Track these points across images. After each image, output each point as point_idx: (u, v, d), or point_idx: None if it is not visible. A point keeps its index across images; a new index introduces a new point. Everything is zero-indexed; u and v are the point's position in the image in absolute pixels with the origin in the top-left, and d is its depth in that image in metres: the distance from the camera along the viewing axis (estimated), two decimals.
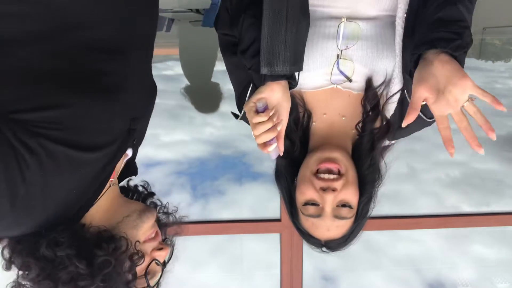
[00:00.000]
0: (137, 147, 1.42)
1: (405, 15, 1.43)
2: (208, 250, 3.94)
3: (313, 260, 3.67)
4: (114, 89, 1.22)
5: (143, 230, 1.28)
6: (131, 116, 1.28)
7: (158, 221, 1.40)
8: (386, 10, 1.49)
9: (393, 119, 1.51)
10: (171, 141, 4.60)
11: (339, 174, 1.41)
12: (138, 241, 1.26)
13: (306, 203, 1.43)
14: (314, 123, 1.52)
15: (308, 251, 3.28)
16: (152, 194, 1.49)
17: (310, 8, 1.43)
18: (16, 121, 1.09)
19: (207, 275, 4.01)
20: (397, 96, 1.48)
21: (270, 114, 1.28)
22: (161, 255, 1.32)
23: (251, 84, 1.46)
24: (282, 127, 1.33)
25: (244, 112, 1.47)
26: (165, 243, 1.38)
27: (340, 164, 1.41)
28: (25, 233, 1.18)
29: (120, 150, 1.27)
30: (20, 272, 1.20)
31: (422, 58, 1.25)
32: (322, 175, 1.41)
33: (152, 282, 1.30)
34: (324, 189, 1.39)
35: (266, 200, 4.00)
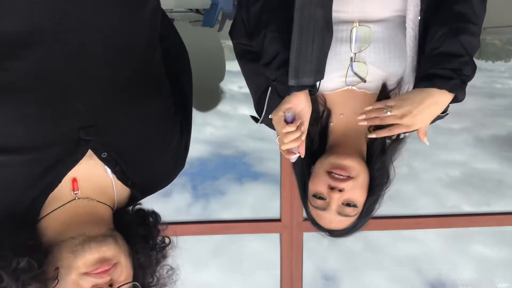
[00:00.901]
0: (131, 166, 1.30)
1: (419, 18, 1.46)
2: (209, 250, 3.94)
3: (313, 260, 3.67)
4: (15, 88, 1.14)
5: (83, 261, 1.13)
6: (79, 125, 1.20)
7: (141, 261, 1.25)
8: (396, 11, 1.51)
9: None
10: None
11: (349, 178, 1.47)
12: (58, 267, 1.12)
13: (315, 195, 1.50)
14: (331, 124, 1.57)
15: (308, 251, 3.29)
16: (148, 231, 1.31)
17: None
18: None
19: (208, 275, 4.01)
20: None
21: (298, 123, 1.36)
22: None
23: (269, 89, 1.52)
24: (305, 133, 1.41)
25: (264, 117, 1.56)
26: (125, 286, 1.19)
27: (351, 171, 1.46)
28: None
29: (64, 160, 1.19)
30: None
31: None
32: (333, 174, 1.47)
33: None
34: (332, 188, 1.46)
35: (267, 200, 4.01)
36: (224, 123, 4.63)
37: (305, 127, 1.41)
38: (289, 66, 1.34)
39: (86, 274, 1.13)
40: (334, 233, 1.56)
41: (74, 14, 1.19)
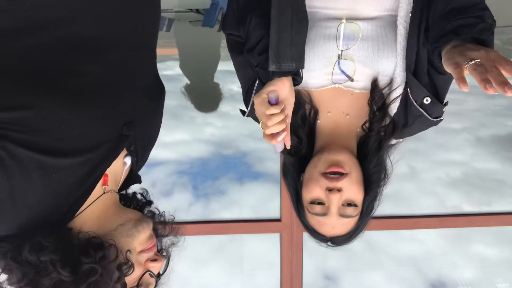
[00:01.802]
0: (142, 155, 1.40)
1: (409, 14, 1.44)
2: (209, 249, 3.95)
3: (314, 260, 3.68)
4: (87, 91, 1.17)
5: (139, 240, 1.25)
6: (124, 121, 1.25)
7: (155, 231, 1.36)
8: (387, 10, 1.50)
9: (397, 118, 1.53)
10: (172, 141, 4.61)
11: (343, 175, 1.44)
12: (129, 250, 1.22)
13: (313, 202, 1.46)
14: (319, 121, 1.54)
15: (308, 251, 3.29)
16: (150, 202, 1.44)
17: (311, 10, 1.47)
18: None
19: (208, 274, 4.02)
20: (399, 93, 1.49)
21: (282, 106, 1.30)
22: (156, 267, 1.28)
23: (257, 81, 1.49)
24: (288, 121, 1.36)
25: (252, 109, 1.51)
26: (161, 254, 1.34)
27: (344, 166, 1.43)
28: (2, 235, 1.15)
29: (109, 157, 1.23)
30: (4, 276, 1.16)
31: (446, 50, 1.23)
32: (329, 175, 1.43)
33: None
34: (330, 190, 1.42)
35: (267, 200, 4.02)
36: (224, 123, 4.64)
37: (289, 113, 1.36)
38: (269, 51, 1.32)
39: (141, 252, 1.26)
40: (336, 240, 1.51)
41: (138, 22, 1.29)
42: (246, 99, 1.57)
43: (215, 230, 3.47)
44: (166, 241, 1.41)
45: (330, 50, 1.47)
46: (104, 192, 1.27)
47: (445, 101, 1.51)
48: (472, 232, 4.15)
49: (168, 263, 1.37)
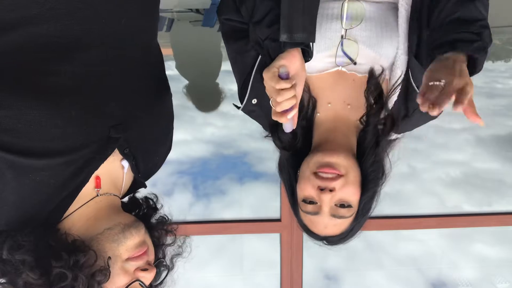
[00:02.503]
0: (144, 158, 1.35)
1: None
2: (210, 249, 3.94)
3: (314, 260, 3.67)
4: (60, 91, 1.14)
5: (126, 247, 1.19)
6: (111, 123, 1.22)
7: (156, 239, 1.33)
8: None
9: (397, 109, 1.50)
10: (173, 140, 4.61)
11: (338, 176, 1.39)
12: (110, 257, 1.17)
13: (304, 200, 1.42)
14: (318, 114, 1.50)
15: (308, 250, 3.29)
16: (154, 209, 1.40)
17: None
18: None
19: (208, 274, 4.01)
20: (401, 79, 1.47)
21: (293, 82, 1.26)
22: (146, 277, 1.21)
23: (258, 59, 1.44)
24: (299, 98, 1.31)
25: (246, 102, 1.48)
26: (158, 264, 1.29)
27: (339, 168, 1.38)
28: None
29: (95, 159, 1.21)
30: None
31: (440, 56, 1.25)
32: (320, 174, 1.39)
33: None
34: (322, 189, 1.37)
35: (268, 200, 4.01)
36: (225, 123, 4.64)
37: (299, 90, 1.31)
38: (281, 20, 1.26)
39: (128, 259, 1.19)
40: (331, 240, 1.46)
41: (118, 18, 1.24)
42: (242, 93, 1.52)
43: (215, 230, 3.46)
44: (171, 251, 1.37)
45: (334, 31, 1.45)
46: (97, 195, 1.24)
47: None
48: (472, 232, 4.14)
49: (167, 274, 1.33)
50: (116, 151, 1.27)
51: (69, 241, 1.16)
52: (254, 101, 1.48)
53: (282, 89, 1.24)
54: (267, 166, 4.53)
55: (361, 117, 1.47)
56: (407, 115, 1.50)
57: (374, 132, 1.46)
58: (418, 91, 1.37)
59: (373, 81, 1.45)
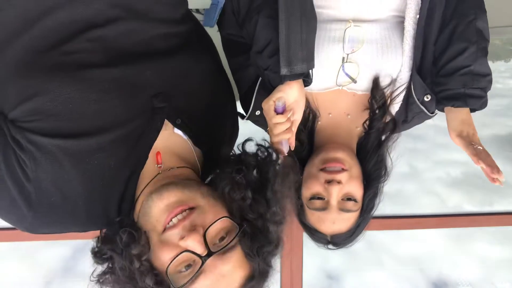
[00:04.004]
0: (200, 124, 1.27)
1: (417, 16, 1.45)
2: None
3: (316, 259, 3.67)
4: (87, 66, 1.12)
5: (155, 217, 1.08)
6: (151, 93, 1.18)
7: (226, 194, 1.15)
8: (393, 11, 1.50)
9: (398, 115, 1.54)
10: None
11: (343, 170, 1.44)
12: (144, 231, 1.09)
13: (312, 197, 1.45)
14: (319, 123, 1.54)
15: (310, 250, 3.29)
16: (235, 160, 1.22)
17: (317, 10, 1.44)
18: (9, 121, 1.10)
19: None
20: (403, 93, 1.50)
21: (289, 115, 1.28)
22: (189, 245, 1.05)
23: (259, 81, 1.47)
24: (296, 125, 1.34)
25: (251, 113, 1.51)
26: (215, 225, 1.09)
27: (344, 162, 1.43)
28: (77, 230, 1.16)
29: (146, 133, 1.16)
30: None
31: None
32: (327, 168, 1.43)
33: (183, 279, 1.06)
34: (329, 182, 1.41)
35: None
36: None
37: (298, 118, 1.33)
38: (280, 54, 1.26)
39: (165, 230, 1.07)
40: (337, 240, 1.49)
41: None
42: (246, 101, 1.54)
43: None
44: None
45: (335, 53, 1.47)
46: (160, 172, 1.17)
47: None
48: (473, 231, 4.14)
49: (241, 229, 1.11)
50: (169, 124, 1.22)
51: (132, 225, 1.11)
52: (258, 112, 1.51)
53: (278, 123, 1.27)
54: None
55: (364, 122, 1.52)
56: (406, 121, 1.57)
57: (377, 135, 1.52)
58: (418, 103, 1.49)
59: (378, 91, 1.49)
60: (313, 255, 3.45)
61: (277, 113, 1.27)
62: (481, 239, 4.25)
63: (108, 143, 1.11)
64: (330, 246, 1.51)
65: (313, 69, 1.35)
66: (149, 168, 1.18)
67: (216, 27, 1.51)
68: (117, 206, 1.16)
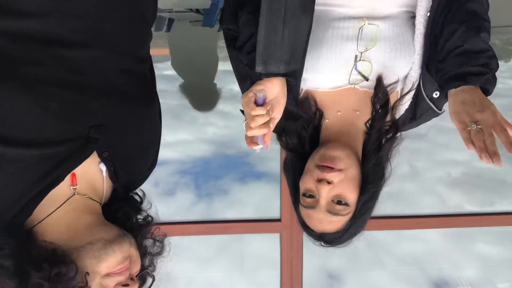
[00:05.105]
0: (124, 165, 1.32)
1: (427, 13, 1.43)
2: (211, 249, 3.95)
3: (316, 259, 3.67)
4: (38, 83, 1.14)
5: (107, 264, 1.15)
6: (91, 123, 1.21)
7: (143, 248, 1.30)
8: (403, 6, 1.48)
9: (407, 111, 1.53)
10: (174, 140, 4.61)
11: (337, 170, 1.41)
12: (87, 272, 1.13)
13: (304, 194, 1.43)
14: (327, 120, 1.51)
15: (310, 250, 3.29)
16: (137, 210, 1.36)
17: (326, 8, 1.45)
18: None
19: (209, 274, 4.02)
20: (413, 91, 1.49)
21: (268, 108, 1.27)
22: None
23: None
24: (274, 124, 1.33)
25: None
26: (141, 275, 1.26)
27: (340, 162, 1.40)
28: None
29: (73, 157, 1.19)
30: None
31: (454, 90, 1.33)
32: (321, 166, 1.40)
33: None
34: (320, 180, 1.38)
35: (270, 199, 4.02)
36: (226, 123, 4.64)
37: (277, 116, 1.33)
38: (256, 51, 1.26)
39: (108, 275, 1.15)
40: (327, 238, 1.46)
41: (103, 22, 1.24)
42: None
43: (215, 230, 3.47)
44: (154, 256, 1.34)
45: (348, 51, 1.45)
46: (75, 194, 1.22)
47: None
48: (474, 231, 4.14)
49: (152, 283, 1.29)
50: (95, 154, 1.25)
51: (50, 250, 1.13)
52: (242, 97, 1.49)
53: (256, 115, 1.25)
54: (269, 166, 4.53)
55: (367, 121, 1.48)
56: (415, 118, 1.54)
57: (378, 136, 1.48)
58: (427, 100, 1.46)
59: (381, 88, 1.47)
60: (313, 255, 3.45)
61: (257, 105, 1.25)
62: (482, 239, 4.25)
63: (31, 157, 1.13)
64: (322, 243, 1.49)
65: (299, 68, 1.34)
66: (63, 190, 1.20)
67: (216, 27, 1.51)
68: (9, 219, 1.16)
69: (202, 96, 4.21)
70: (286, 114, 1.49)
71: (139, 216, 1.34)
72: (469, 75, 1.31)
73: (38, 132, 1.13)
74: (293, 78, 1.34)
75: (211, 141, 4.78)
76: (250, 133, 1.27)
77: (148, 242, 1.33)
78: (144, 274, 1.27)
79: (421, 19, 1.44)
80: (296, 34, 1.29)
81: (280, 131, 1.55)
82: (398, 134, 1.53)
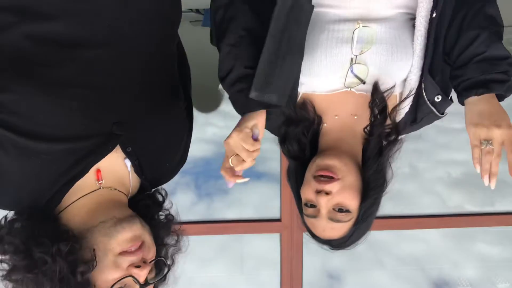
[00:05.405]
0: (149, 161, 1.38)
1: (429, 15, 1.42)
2: (211, 249, 3.95)
3: (317, 259, 3.67)
4: (63, 83, 1.23)
5: (117, 241, 1.22)
6: (114, 120, 1.29)
7: (159, 239, 1.36)
8: (401, 8, 1.47)
9: (408, 115, 1.52)
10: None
11: (335, 179, 1.40)
12: (94, 248, 1.20)
13: (306, 204, 1.44)
14: (325, 125, 1.51)
15: (310, 250, 3.29)
16: (159, 205, 1.43)
17: (321, 9, 1.45)
18: None
19: (209, 274, 4.02)
20: (413, 94, 1.48)
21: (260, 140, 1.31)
22: (139, 274, 1.22)
23: None
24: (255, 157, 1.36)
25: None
26: (155, 262, 1.30)
27: (336, 171, 1.40)
28: None
29: (96, 152, 1.27)
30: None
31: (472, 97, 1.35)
32: (318, 177, 1.41)
33: None
34: (318, 192, 1.39)
35: (270, 199, 4.02)
36: (226, 123, 4.63)
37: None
38: (255, 77, 1.27)
39: (121, 254, 1.22)
40: (333, 243, 1.47)
41: (121, 23, 1.30)
42: None
43: (215, 230, 3.48)
44: (171, 249, 1.41)
45: (343, 54, 1.44)
46: (100, 188, 1.30)
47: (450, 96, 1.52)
48: (474, 231, 4.14)
49: (168, 271, 1.34)
50: (120, 149, 1.32)
51: (59, 230, 1.22)
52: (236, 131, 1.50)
53: (255, 151, 1.28)
54: (269, 166, 4.53)
55: (365, 127, 1.48)
56: (415, 121, 1.54)
57: (378, 142, 1.48)
58: (429, 104, 1.46)
59: (378, 94, 1.46)
60: (314, 255, 3.45)
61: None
62: (482, 239, 4.25)
63: (57, 151, 1.24)
64: (328, 247, 1.50)
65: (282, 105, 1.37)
66: (88, 182, 1.29)
67: None
68: (43, 205, 1.27)
69: (203, 97, 4.21)
70: (286, 120, 1.51)
71: (160, 213, 1.42)
72: (492, 82, 1.32)
73: (63, 129, 1.23)
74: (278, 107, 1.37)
75: (211, 141, 4.77)
76: (241, 167, 1.30)
77: (167, 236, 1.39)
78: (159, 262, 1.31)
79: (422, 20, 1.43)
80: (291, 71, 1.32)
81: (282, 138, 1.55)
82: (399, 137, 1.52)
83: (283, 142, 1.55)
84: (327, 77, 1.46)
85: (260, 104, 1.30)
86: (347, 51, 1.44)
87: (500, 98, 1.36)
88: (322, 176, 1.39)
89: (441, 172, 4.55)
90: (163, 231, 1.39)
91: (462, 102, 1.40)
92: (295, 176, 1.54)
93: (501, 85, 1.33)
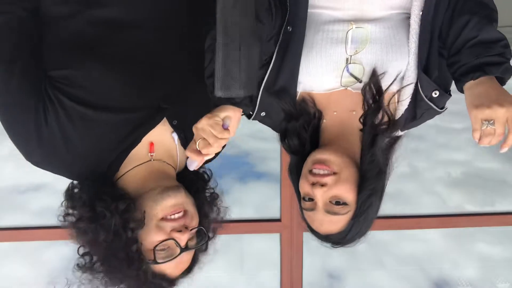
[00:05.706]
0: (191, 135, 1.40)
1: (420, 13, 1.43)
2: (210, 249, 3.94)
3: (317, 259, 3.67)
4: (117, 60, 1.41)
5: (162, 207, 1.35)
6: (161, 94, 1.44)
7: (203, 210, 1.48)
8: (395, 8, 1.47)
9: (407, 111, 1.52)
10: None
11: (330, 173, 1.41)
12: (145, 210, 1.35)
13: (303, 198, 1.46)
14: (324, 121, 1.52)
15: (310, 250, 3.29)
16: (204, 181, 1.56)
17: (315, 10, 1.46)
18: (48, 76, 1.38)
19: (209, 273, 4.01)
20: (410, 91, 1.48)
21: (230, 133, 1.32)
22: (180, 238, 1.35)
23: (261, 89, 1.48)
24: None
25: (256, 115, 1.51)
26: (197, 230, 1.41)
27: (331, 165, 1.41)
28: (66, 176, 1.46)
29: (145, 124, 1.43)
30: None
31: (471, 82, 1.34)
32: (314, 171, 1.42)
33: (161, 259, 1.35)
34: (313, 184, 1.40)
35: (270, 199, 4.02)
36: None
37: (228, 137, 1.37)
38: (215, 76, 1.27)
39: (164, 219, 1.35)
40: (332, 239, 1.47)
41: (164, 9, 1.48)
42: (251, 102, 1.51)
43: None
44: (212, 224, 1.56)
45: (338, 54, 1.46)
46: (151, 160, 1.44)
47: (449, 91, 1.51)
48: (475, 231, 4.14)
49: (208, 241, 1.50)
50: (167, 123, 1.46)
51: (117, 192, 1.38)
52: (263, 114, 1.52)
53: (223, 139, 1.29)
54: (269, 166, 4.54)
55: (360, 117, 1.48)
56: (415, 118, 1.53)
57: (370, 131, 1.47)
58: (426, 100, 1.46)
59: (373, 80, 1.46)
60: (314, 255, 3.45)
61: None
62: (482, 239, 4.25)
63: (115, 122, 1.40)
64: (328, 244, 1.50)
65: (254, 95, 1.41)
66: (141, 153, 1.44)
67: None
68: (103, 171, 1.44)
69: None
70: (287, 116, 1.52)
71: (206, 190, 1.57)
72: (487, 65, 1.32)
73: (119, 101, 1.40)
74: (245, 107, 1.38)
75: None
76: (206, 151, 1.30)
77: (210, 211, 1.55)
78: (201, 232, 1.44)
79: (416, 18, 1.44)
80: (250, 60, 1.30)
81: (283, 133, 1.57)
82: (400, 133, 1.53)
83: (283, 137, 1.57)
84: (323, 77, 1.47)
85: (228, 99, 1.31)
86: (341, 51, 1.45)
87: (501, 81, 1.35)
88: (317, 169, 1.41)
89: (441, 172, 4.56)
90: (207, 206, 1.52)
91: (461, 89, 1.38)
92: (296, 171, 1.54)
93: (497, 67, 1.32)
